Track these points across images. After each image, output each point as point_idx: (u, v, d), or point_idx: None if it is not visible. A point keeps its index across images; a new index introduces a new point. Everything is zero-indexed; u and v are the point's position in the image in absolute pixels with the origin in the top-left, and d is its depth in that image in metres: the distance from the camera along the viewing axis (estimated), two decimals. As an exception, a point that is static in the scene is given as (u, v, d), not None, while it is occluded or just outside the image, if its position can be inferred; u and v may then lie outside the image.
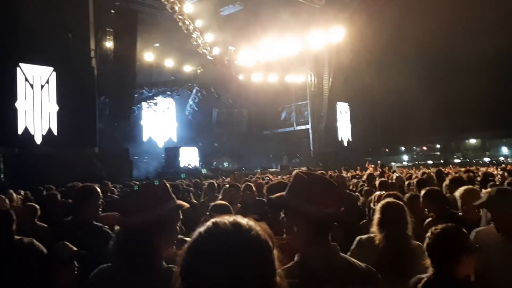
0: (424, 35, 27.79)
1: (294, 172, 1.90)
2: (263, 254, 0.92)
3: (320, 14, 26.35)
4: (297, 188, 1.78)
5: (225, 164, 26.68)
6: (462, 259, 2.15)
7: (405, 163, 37.43)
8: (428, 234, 2.31)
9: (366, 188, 7.71)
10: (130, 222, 1.69)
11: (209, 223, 0.96)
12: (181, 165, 24.03)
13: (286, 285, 0.97)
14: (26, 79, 16.89)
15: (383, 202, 2.94)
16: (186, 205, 1.85)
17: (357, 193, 7.04)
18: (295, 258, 1.69)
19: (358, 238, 2.95)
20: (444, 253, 2.19)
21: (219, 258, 0.88)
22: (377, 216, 2.86)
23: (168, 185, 1.86)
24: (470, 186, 3.90)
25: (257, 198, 5.70)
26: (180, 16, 22.15)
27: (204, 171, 22.87)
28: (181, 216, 1.87)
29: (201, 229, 0.95)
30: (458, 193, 3.63)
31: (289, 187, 1.82)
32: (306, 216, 1.68)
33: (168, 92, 27.00)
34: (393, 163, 34.80)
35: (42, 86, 17.34)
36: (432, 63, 29.33)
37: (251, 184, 6.23)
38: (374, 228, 2.84)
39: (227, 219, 0.96)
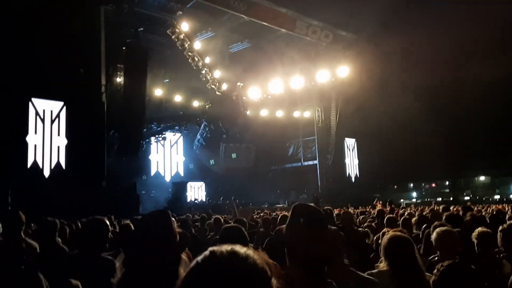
0: (433, 71, 28.00)
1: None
2: (260, 283, 0.90)
3: (326, 51, 26.82)
4: (290, 224, 1.83)
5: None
6: None
7: (414, 200, 37.01)
8: (435, 271, 2.27)
9: (374, 223, 7.63)
10: (138, 263, 1.70)
11: (206, 252, 0.95)
12: (188, 200, 23.94)
13: None
14: (37, 114, 17.17)
15: (389, 235, 2.91)
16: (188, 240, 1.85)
17: (366, 229, 6.95)
18: None
19: (368, 272, 2.90)
20: None
21: (214, 285, 0.87)
22: (384, 249, 2.82)
23: (170, 220, 1.84)
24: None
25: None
26: (189, 53, 22.66)
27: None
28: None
29: (199, 257, 0.95)
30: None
31: (288, 222, 1.87)
32: (294, 253, 1.71)
33: (177, 127, 27.25)
34: (402, 200, 34.46)
35: (52, 121, 17.59)
36: (441, 99, 29.39)
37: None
38: (383, 264, 2.79)
39: (225, 247, 0.95)
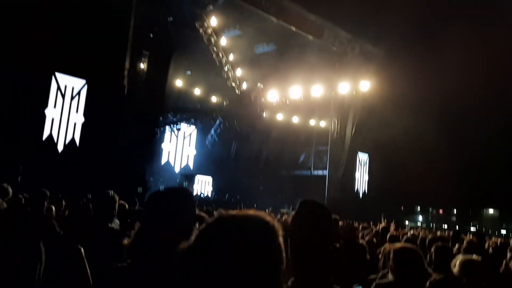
0: (456, 97, 27.75)
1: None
2: (268, 235, 0.93)
3: (351, 63, 26.74)
4: (296, 218, 1.85)
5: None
6: None
7: (419, 224, 36.63)
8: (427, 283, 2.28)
9: (375, 239, 7.57)
10: (154, 226, 1.73)
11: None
12: (194, 193, 24.02)
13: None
14: (59, 88, 17.42)
15: (397, 246, 2.90)
16: (205, 216, 1.89)
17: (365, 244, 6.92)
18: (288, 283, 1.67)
19: (375, 283, 2.89)
20: None
21: (228, 236, 0.91)
22: (392, 260, 2.81)
23: (191, 195, 1.89)
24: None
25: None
26: (214, 49, 22.80)
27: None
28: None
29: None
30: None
31: (293, 216, 1.91)
32: (292, 244, 1.71)
33: (192, 120, 27.37)
34: (407, 222, 34.12)
35: (72, 97, 17.83)
36: (461, 127, 29.12)
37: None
38: (390, 276, 2.78)
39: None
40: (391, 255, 2.87)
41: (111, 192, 3.29)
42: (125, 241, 1.75)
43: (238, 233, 0.91)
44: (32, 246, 2.08)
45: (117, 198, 3.27)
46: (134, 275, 1.65)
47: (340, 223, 12.70)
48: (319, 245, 1.71)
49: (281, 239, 0.97)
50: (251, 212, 0.99)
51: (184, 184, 24.18)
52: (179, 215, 1.74)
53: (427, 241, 6.28)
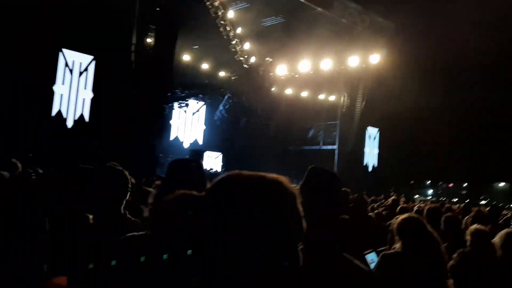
0: (467, 70, 27.24)
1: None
2: (286, 199, 0.88)
3: (360, 36, 26.27)
4: (303, 186, 1.84)
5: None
6: None
7: (429, 198, 36.61)
8: (455, 255, 2.25)
9: (384, 212, 7.57)
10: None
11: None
12: (204, 168, 24.12)
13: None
14: (67, 64, 17.38)
15: (402, 217, 2.91)
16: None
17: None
18: None
19: (382, 253, 2.88)
20: None
21: (242, 193, 0.85)
22: (397, 229, 2.82)
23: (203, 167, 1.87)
24: None
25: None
26: (222, 22, 22.46)
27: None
28: None
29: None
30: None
31: (301, 183, 1.89)
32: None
33: (201, 95, 27.27)
34: (416, 196, 34.10)
35: (80, 73, 17.81)
36: (472, 100, 28.65)
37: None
38: (398, 245, 2.78)
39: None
40: (395, 225, 2.88)
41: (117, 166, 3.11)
42: (145, 213, 1.75)
43: (253, 191, 0.85)
44: (35, 218, 2.07)
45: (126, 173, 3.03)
46: (152, 243, 1.65)
47: (351, 196, 12.76)
48: (327, 211, 1.67)
49: (299, 205, 0.91)
50: (272, 174, 0.93)
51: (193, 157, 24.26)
52: (194, 183, 1.72)
53: (435, 212, 6.25)
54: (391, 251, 2.86)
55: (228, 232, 0.81)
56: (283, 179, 0.93)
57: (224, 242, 0.82)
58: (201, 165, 1.85)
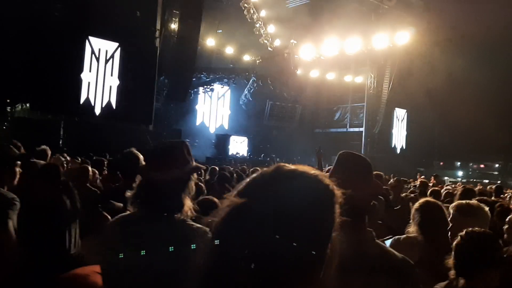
0: (501, 47, 26.19)
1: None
2: (324, 199, 0.84)
3: (387, 15, 25.55)
4: (335, 170, 1.80)
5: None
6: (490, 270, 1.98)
7: (459, 179, 35.78)
8: (462, 233, 2.14)
9: (413, 195, 7.43)
10: (154, 176, 1.78)
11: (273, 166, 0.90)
12: (230, 153, 24.24)
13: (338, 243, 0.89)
14: (93, 52, 17.59)
15: (420, 202, 2.83)
16: (203, 167, 1.96)
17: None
18: None
19: (395, 237, 2.83)
20: (474, 257, 2.03)
21: (279, 194, 0.81)
22: (414, 215, 2.75)
23: (189, 147, 1.94)
24: None
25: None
26: (246, 5, 22.24)
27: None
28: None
29: (265, 169, 0.91)
30: None
31: (332, 168, 1.86)
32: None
33: (225, 80, 27.25)
34: (446, 178, 33.37)
35: (106, 60, 18.00)
36: (504, 79, 27.61)
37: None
38: (412, 228, 2.72)
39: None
40: (413, 210, 2.82)
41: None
42: (128, 193, 1.82)
43: (292, 191, 0.82)
44: (62, 204, 2.08)
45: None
46: (138, 225, 1.72)
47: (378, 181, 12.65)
48: (361, 196, 1.60)
49: (337, 207, 0.88)
50: (311, 170, 0.89)
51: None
52: (175, 165, 1.80)
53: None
54: (403, 236, 2.81)
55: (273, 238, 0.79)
56: (328, 181, 0.89)
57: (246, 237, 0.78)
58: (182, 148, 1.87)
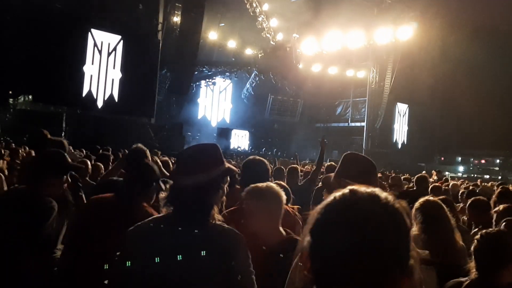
0: (501, 42, 26.12)
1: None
2: (398, 231, 0.83)
3: (389, 9, 25.45)
4: (340, 170, 1.86)
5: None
6: (510, 267, 2.07)
7: (459, 174, 35.78)
8: (477, 236, 2.22)
9: (411, 190, 7.44)
10: (185, 180, 1.75)
11: (346, 190, 0.88)
12: (231, 147, 24.27)
13: (417, 266, 0.87)
14: (95, 45, 17.59)
15: (420, 201, 2.85)
16: (236, 169, 1.91)
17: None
18: None
19: None
20: (493, 258, 2.10)
21: (350, 221, 0.81)
22: (416, 214, 2.77)
23: (220, 150, 1.90)
24: None
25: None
26: (248, -2, 22.17)
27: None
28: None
29: (337, 194, 0.88)
30: None
31: (337, 169, 1.93)
32: None
33: (227, 73, 27.22)
34: (447, 173, 33.35)
35: (109, 53, 18.00)
36: (505, 74, 27.54)
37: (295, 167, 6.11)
38: (414, 228, 2.74)
39: (364, 188, 0.88)
40: (414, 209, 2.84)
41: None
42: (161, 195, 1.79)
43: (361, 221, 0.81)
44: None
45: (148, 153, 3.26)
46: (170, 228, 1.70)
47: (379, 174, 12.62)
48: None
49: (411, 235, 0.86)
50: (383, 195, 0.86)
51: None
52: (204, 169, 1.76)
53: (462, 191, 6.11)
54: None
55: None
56: (398, 205, 0.86)
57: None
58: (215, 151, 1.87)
